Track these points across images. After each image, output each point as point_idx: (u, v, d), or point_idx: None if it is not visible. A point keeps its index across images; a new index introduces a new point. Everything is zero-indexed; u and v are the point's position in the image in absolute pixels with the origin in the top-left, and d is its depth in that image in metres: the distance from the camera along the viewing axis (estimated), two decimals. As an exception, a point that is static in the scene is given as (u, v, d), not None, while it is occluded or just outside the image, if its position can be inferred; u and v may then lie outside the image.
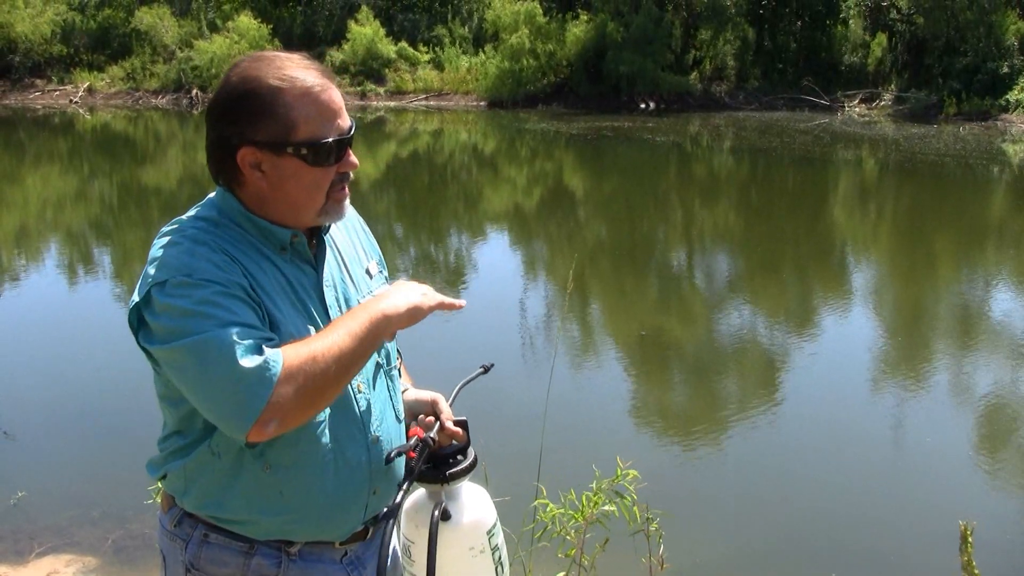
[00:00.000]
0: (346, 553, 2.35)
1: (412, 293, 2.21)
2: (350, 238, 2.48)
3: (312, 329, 2.18)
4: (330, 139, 2.15)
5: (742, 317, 11.61)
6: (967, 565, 3.38)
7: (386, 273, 2.58)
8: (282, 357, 2.00)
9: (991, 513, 6.40)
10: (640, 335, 10.67)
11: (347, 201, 2.28)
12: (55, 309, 11.65)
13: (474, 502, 2.44)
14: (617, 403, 8.64)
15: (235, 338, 1.98)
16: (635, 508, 4.03)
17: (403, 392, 2.52)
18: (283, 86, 2.13)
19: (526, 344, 9.99)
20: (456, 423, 2.43)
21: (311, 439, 2.18)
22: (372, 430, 2.30)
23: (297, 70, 2.16)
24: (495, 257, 15.25)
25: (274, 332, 2.10)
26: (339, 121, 2.18)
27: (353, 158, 2.22)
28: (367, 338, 2.12)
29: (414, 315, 2.19)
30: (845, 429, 7.92)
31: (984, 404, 8.52)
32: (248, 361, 1.97)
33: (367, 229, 2.59)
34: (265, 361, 1.98)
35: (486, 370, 2.69)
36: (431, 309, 2.23)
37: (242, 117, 2.14)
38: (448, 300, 2.25)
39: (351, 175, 2.25)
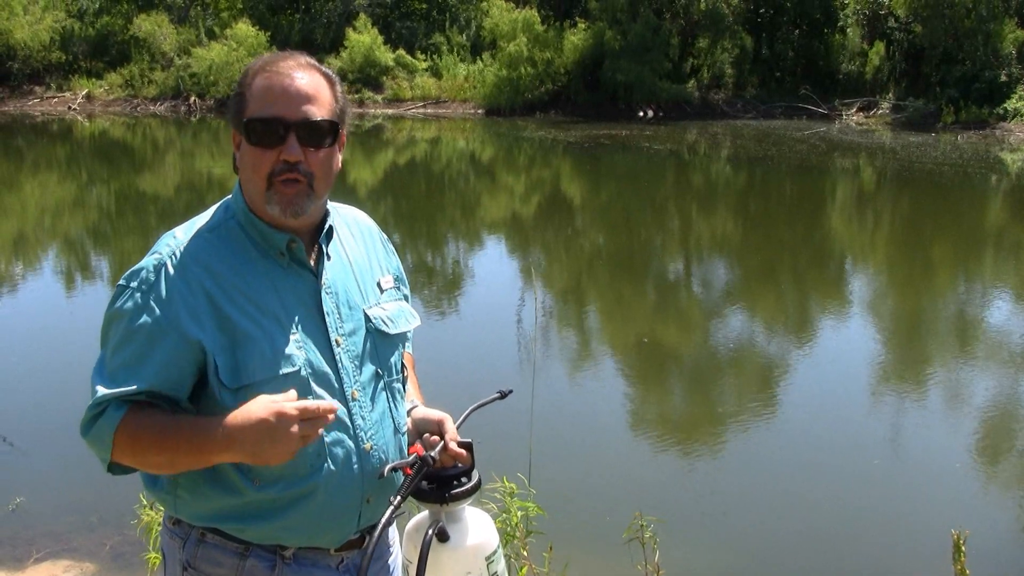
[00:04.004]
0: (343, 560, 2.36)
1: (276, 449, 2.07)
2: (366, 250, 2.50)
3: (294, 337, 2.22)
4: (262, 116, 2.18)
5: (739, 326, 11.62)
6: (960, 574, 3.39)
7: (405, 291, 2.58)
8: (114, 428, 2.14)
9: (984, 522, 6.41)
10: (639, 343, 10.68)
11: (303, 199, 2.22)
12: (53, 316, 11.64)
13: (476, 526, 2.42)
14: (613, 410, 8.65)
15: (94, 402, 2.16)
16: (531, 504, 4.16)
17: (412, 409, 2.52)
18: (257, 69, 2.24)
19: (521, 351, 9.99)
20: (461, 445, 2.41)
21: (300, 450, 2.16)
22: (365, 439, 2.31)
23: (281, 61, 2.24)
24: (491, 265, 15.26)
25: (243, 342, 2.17)
26: (287, 105, 2.18)
27: (292, 148, 2.18)
28: (199, 457, 2.16)
29: (257, 459, 2.12)
30: (839, 438, 7.92)
31: (977, 413, 8.53)
32: (85, 432, 2.19)
33: (388, 246, 2.60)
34: (98, 431, 2.16)
35: (503, 395, 2.66)
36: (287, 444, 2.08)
37: (230, 100, 2.29)
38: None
39: (305, 171, 2.21)
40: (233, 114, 2.25)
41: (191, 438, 2.12)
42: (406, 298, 2.57)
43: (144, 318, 2.16)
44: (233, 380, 2.16)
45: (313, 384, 2.22)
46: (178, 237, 2.24)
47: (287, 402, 2.06)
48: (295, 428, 2.04)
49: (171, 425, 2.15)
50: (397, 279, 2.55)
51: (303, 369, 2.21)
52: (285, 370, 2.19)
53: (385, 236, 2.61)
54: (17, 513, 6.45)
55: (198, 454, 2.13)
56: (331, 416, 2.11)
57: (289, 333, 2.22)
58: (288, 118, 2.18)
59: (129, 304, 2.18)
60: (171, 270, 2.18)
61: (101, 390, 2.14)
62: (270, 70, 2.21)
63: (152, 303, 2.16)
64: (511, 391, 2.68)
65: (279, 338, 2.20)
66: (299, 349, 2.22)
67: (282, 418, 2.03)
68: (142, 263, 2.21)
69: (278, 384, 2.16)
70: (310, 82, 2.22)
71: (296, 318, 2.25)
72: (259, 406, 2.05)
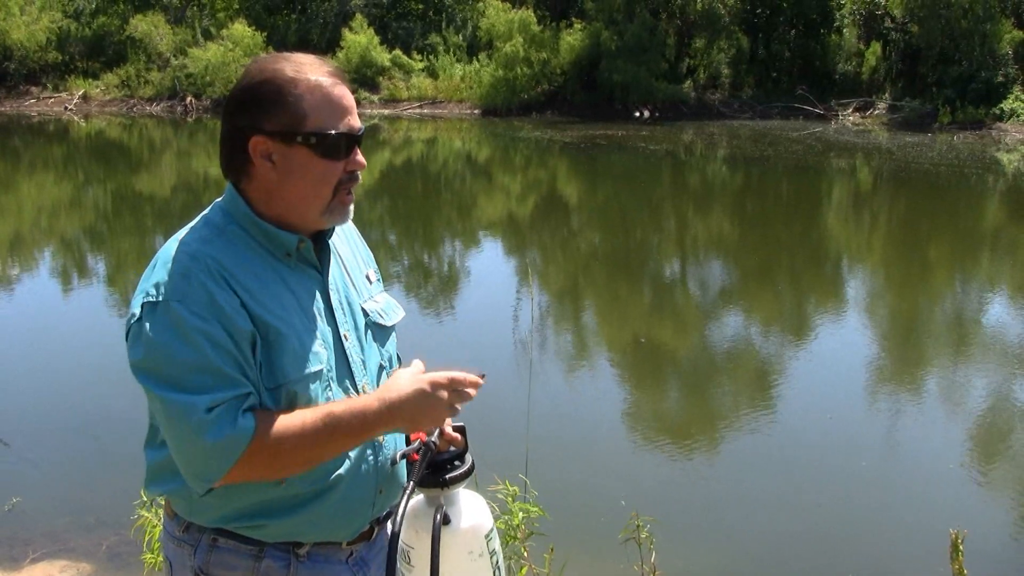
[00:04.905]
0: (352, 553, 2.38)
1: (432, 415, 2.21)
2: (350, 246, 2.51)
3: (316, 335, 2.23)
4: (340, 131, 2.19)
5: (735, 326, 11.63)
6: (958, 573, 3.39)
7: (382, 284, 2.61)
8: (251, 434, 2.06)
9: (981, 522, 6.42)
10: (636, 343, 10.68)
11: (352, 205, 2.30)
12: (50, 316, 11.64)
13: (472, 507, 2.46)
14: (610, 410, 8.65)
15: (203, 408, 2.03)
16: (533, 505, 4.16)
17: None
18: (296, 78, 2.18)
19: (517, 352, 10.00)
20: (455, 428, 2.45)
21: None
22: None
23: (311, 66, 2.22)
24: (487, 265, 15.25)
25: (275, 341, 2.14)
26: (349, 119, 2.21)
27: (361, 158, 2.25)
28: (352, 441, 2.20)
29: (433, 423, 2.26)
30: (837, 438, 7.93)
31: (975, 413, 8.54)
32: (213, 437, 2.03)
33: (363, 240, 2.62)
34: (232, 439, 2.04)
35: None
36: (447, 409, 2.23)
37: (255, 107, 2.18)
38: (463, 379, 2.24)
39: (359, 177, 2.27)
40: (280, 127, 2.16)
41: (350, 422, 2.13)
42: (383, 289, 2.61)
43: (198, 323, 2.06)
44: (270, 380, 2.14)
45: (333, 380, 2.24)
46: (188, 243, 2.18)
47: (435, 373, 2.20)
48: (445, 394, 2.17)
49: (319, 416, 2.13)
50: (376, 272, 2.59)
51: (326, 366, 2.23)
52: (313, 368, 2.19)
53: (357, 230, 2.62)
54: (14, 513, 6.44)
55: (355, 437, 2.19)
56: (473, 392, 2.23)
57: (311, 330, 2.23)
58: (357, 130, 2.23)
59: (170, 317, 2.06)
60: (199, 274, 2.10)
61: (206, 399, 2.04)
62: (319, 79, 2.19)
63: (199, 310, 2.07)
64: (484, 374, 2.75)
65: (305, 336, 2.20)
66: (322, 346, 2.23)
67: (436, 387, 2.16)
68: (164, 274, 2.12)
69: (307, 382, 2.17)
70: (348, 90, 2.26)
71: (312, 315, 2.26)
72: (409, 377, 2.19)
